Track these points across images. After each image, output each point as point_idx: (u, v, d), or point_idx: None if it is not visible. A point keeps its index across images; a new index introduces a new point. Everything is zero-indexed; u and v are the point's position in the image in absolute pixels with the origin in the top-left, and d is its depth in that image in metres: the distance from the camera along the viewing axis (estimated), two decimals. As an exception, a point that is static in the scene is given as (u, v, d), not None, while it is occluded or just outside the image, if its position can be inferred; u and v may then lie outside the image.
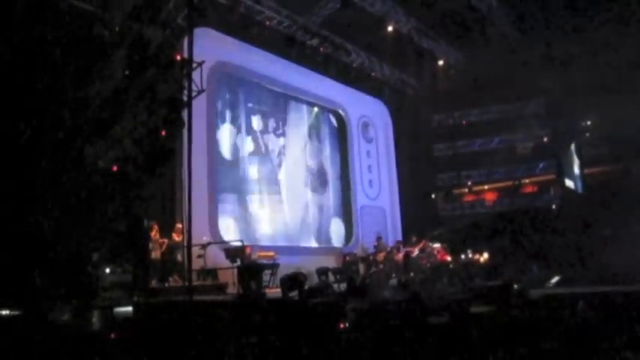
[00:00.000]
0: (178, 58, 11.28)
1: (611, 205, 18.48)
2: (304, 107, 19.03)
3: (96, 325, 7.61)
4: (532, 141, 23.25)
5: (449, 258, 17.59)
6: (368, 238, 18.64)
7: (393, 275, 15.50)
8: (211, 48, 14.14)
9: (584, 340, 5.74)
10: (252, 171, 16.46)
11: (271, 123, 17.49)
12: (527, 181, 23.56)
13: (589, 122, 24.25)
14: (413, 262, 16.70)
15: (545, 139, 22.96)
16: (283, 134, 17.88)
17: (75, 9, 10.47)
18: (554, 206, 22.01)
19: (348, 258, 16.99)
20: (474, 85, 20.84)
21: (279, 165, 17.50)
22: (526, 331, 5.99)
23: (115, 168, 11.13)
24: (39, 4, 9.95)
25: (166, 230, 12.27)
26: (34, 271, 8.97)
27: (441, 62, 21.11)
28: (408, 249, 17.31)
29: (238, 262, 11.97)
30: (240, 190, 15.90)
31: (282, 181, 17.44)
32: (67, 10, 10.27)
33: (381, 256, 16.95)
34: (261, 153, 16.86)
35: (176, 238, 12.27)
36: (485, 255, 17.85)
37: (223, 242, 13.43)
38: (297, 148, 18.28)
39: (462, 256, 17.87)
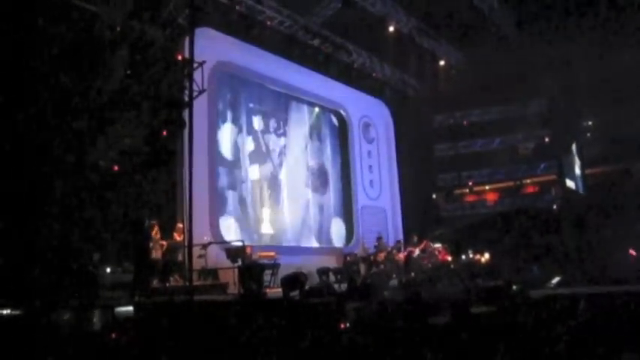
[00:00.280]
0: (179, 58, 11.30)
1: (612, 205, 18.47)
2: (305, 107, 19.03)
3: (96, 325, 7.60)
4: (533, 141, 23.27)
5: (450, 258, 17.58)
6: (369, 239, 18.63)
7: (394, 275, 15.50)
8: (212, 48, 14.14)
9: (585, 341, 5.73)
10: (253, 171, 16.46)
11: (272, 123, 17.49)
12: (528, 181, 23.58)
13: (590, 123, 24.27)
14: (414, 263, 16.70)
15: (547, 140, 22.97)
16: (284, 134, 17.88)
17: (76, 9, 10.48)
18: (555, 206, 21.99)
19: (348, 258, 16.98)
20: (475, 86, 20.83)
21: (280, 165, 17.50)
22: (526, 332, 5.99)
23: (115, 167, 11.15)
24: (40, 3, 9.96)
25: (167, 230, 12.25)
26: (34, 271, 8.97)
27: (442, 62, 21.10)
28: (410, 249, 17.32)
29: (239, 262, 11.97)
30: (241, 190, 15.90)
31: (282, 181, 17.43)
32: (68, 10, 10.27)
33: (381, 256, 16.95)
34: (262, 153, 16.86)
35: (177, 237, 12.26)
36: (487, 255, 17.84)
37: (224, 242, 13.43)
38: (298, 148, 18.28)
39: (463, 257, 17.87)
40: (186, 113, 10.26)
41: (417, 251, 17.19)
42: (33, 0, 9.88)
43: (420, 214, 21.71)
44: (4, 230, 8.96)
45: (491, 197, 24.29)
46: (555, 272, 13.46)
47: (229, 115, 15.95)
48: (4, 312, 7.64)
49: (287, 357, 5.77)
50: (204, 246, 12.27)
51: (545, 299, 8.63)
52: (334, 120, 20.24)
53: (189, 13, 12.12)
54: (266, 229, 16.45)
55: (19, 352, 5.88)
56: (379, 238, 17.90)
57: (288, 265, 13.06)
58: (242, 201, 15.86)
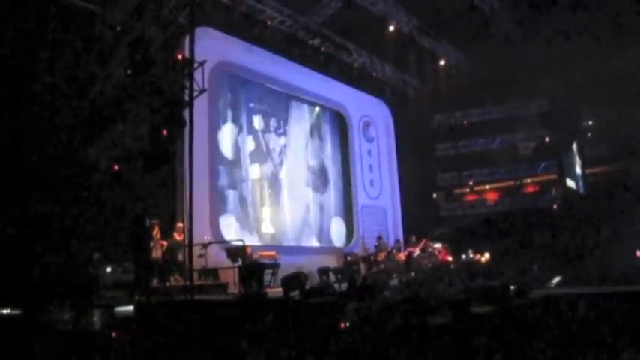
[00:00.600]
0: (180, 57, 11.28)
1: (612, 205, 18.47)
2: (305, 107, 19.03)
3: (97, 325, 7.60)
4: (534, 141, 23.28)
5: (450, 258, 17.58)
6: (369, 238, 18.63)
7: (394, 275, 15.49)
8: (213, 47, 14.14)
9: (585, 340, 5.73)
10: (254, 170, 16.45)
11: (272, 122, 17.49)
12: (528, 181, 23.59)
13: (591, 122, 24.25)
14: (414, 262, 16.69)
15: (547, 140, 22.97)
16: (284, 134, 17.88)
17: (77, 8, 10.48)
18: (555, 206, 21.99)
19: (349, 257, 16.97)
20: (476, 85, 20.84)
21: (281, 164, 17.50)
22: (527, 331, 5.99)
23: (116, 167, 11.15)
24: (41, 3, 9.96)
25: (167, 229, 12.26)
26: (34, 271, 8.98)
27: (442, 62, 21.10)
28: (410, 249, 17.32)
29: (239, 262, 11.97)
30: (241, 189, 15.90)
31: (283, 181, 17.43)
32: (68, 10, 10.28)
33: (382, 255, 16.94)
34: (262, 152, 16.86)
35: (177, 237, 12.26)
36: (487, 255, 17.85)
37: (224, 242, 13.44)
38: (298, 148, 18.28)
39: (463, 256, 17.87)
40: (186, 113, 10.27)
41: (417, 251, 17.18)
42: (33, 0, 9.89)
43: (420, 213, 21.71)
44: (4, 230, 8.97)
45: (491, 197, 24.29)
46: (555, 272, 13.48)
47: (230, 114, 15.95)
48: (4, 311, 7.64)
49: (287, 356, 5.77)
50: (205, 245, 12.27)
51: (546, 299, 8.64)
52: (335, 119, 20.24)
53: (189, 12, 12.12)
54: (266, 228, 16.45)
55: (19, 351, 5.89)
56: (379, 238, 17.90)
57: (289, 265, 13.06)
58: (242, 200, 15.86)
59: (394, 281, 14.66)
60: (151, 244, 11.20)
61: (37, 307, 7.80)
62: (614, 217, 17.70)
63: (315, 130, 19.33)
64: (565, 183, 21.97)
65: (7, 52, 9.46)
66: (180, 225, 12.44)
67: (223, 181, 15.23)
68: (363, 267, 16.99)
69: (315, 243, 18.09)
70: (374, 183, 20.87)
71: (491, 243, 18.49)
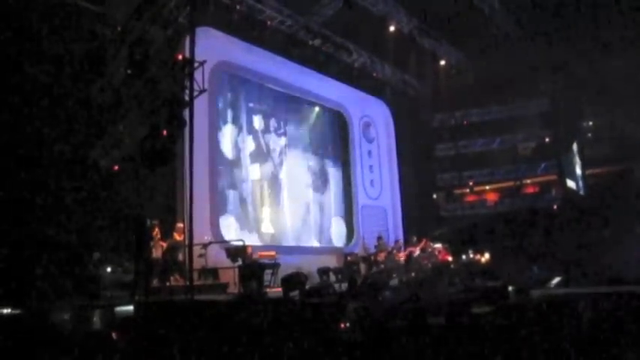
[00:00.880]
0: (180, 57, 11.27)
1: (612, 206, 18.47)
2: (306, 107, 19.03)
3: (97, 325, 7.61)
4: (534, 141, 23.28)
5: (450, 258, 17.60)
6: (369, 238, 18.63)
7: (394, 275, 15.49)
8: (213, 47, 14.13)
9: (585, 341, 5.73)
10: (254, 170, 16.45)
11: (272, 122, 17.48)
12: (528, 181, 23.59)
13: (591, 123, 24.26)
14: (414, 262, 16.71)
15: (547, 140, 22.97)
16: (284, 134, 17.87)
17: (77, 8, 10.48)
18: (555, 207, 21.99)
19: (349, 258, 16.98)
20: (476, 86, 20.86)
21: (281, 164, 17.49)
22: (526, 332, 5.99)
23: (116, 167, 11.15)
24: (41, 3, 9.96)
25: (167, 229, 12.26)
26: (34, 271, 8.97)
27: (442, 62, 21.12)
28: (410, 249, 17.33)
29: (239, 262, 11.97)
30: (241, 189, 15.90)
31: (283, 181, 17.43)
32: (69, 10, 10.28)
33: (382, 255, 16.95)
34: (262, 152, 16.86)
35: (177, 237, 12.24)
36: (487, 255, 17.86)
37: (224, 242, 13.43)
38: (298, 148, 18.28)
39: (463, 257, 17.88)
40: (186, 113, 10.26)
41: (417, 251, 17.20)
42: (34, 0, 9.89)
43: (420, 213, 21.73)
44: (4, 230, 8.96)
45: (491, 197, 24.29)
46: (555, 272, 13.48)
47: (230, 114, 15.94)
48: (4, 312, 7.64)
49: (287, 357, 5.77)
50: (205, 245, 12.26)
51: (546, 299, 8.63)
52: (335, 120, 20.24)
53: (189, 12, 12.11)
54: (266, 228, 16.44)
55: (19, 352, 5.88)
56: (379, 238, 17.91)
57: (289, 265, 13.06)
58: (242, 200, 15.86)
59: (394, 281, 14.66)
60: (151, 244, 11.19)
61: (37, 307, 7.80)
62: (614, 218, 17.70)
63: (315, 131, 19.33)
64: (565, 183, 21.98)
65: (6, 51, 9.46)
66: (180, 225, 12.43)
67: (223, 181, 15.22)
68: (363, 267, 17.00)
69: (315, 243, 18.09)
70: (374, 183, 20.87)
71: (491, 243, 18.50)
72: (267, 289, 11.67)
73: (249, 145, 16.45)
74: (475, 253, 18.03)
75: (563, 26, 18.02)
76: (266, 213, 16.56)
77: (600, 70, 18.15)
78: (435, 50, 20.59)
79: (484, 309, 7.56)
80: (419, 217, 21.48)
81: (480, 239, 19.00)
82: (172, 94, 10.66)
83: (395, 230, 20.85)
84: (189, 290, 9.39)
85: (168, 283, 11.54)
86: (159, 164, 10.72)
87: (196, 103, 10.54)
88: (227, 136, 15.71)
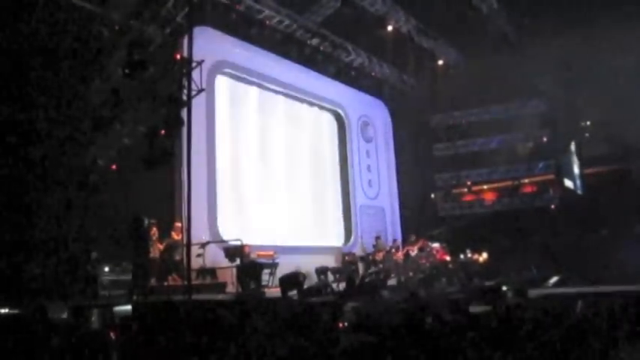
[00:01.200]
0: (178, 57, 11.28)
1: (610, 205, 18.50)
2: (304, 106, 19.02)
3: (95, 324, 7.60)
4: (531, 141, 23.27)
5: (448, 258, 17.63)
6: (367, 238, 18.63)
7: (392, 275, 15.51)
8: (211, 47, 14.13)
9: (583, 341, 5.74)
10: (252, 170, 16.44)
11: (271, 122, 17.48)
12: (526, 181, 23.55)
13: (589, 122, 24.28)
14: (412, 262, 16.72)
15: (545, 139, 22.97)
16: (283, 134, 17.85)
17: (75, 7, 10.47)
18: (553, 206, 22.02)
19: (347, 257, 16.98)
20: (474, 85, 20.84)
21: (279, 164, 17.48)
22: (524, 332, 5.99)
23: (114, 167, 11.15)
24: (39, 3, 9.95)
25: (165, 229, 12.25)
26: (32, 271, 8.97)
27: (440, 62, 21.13)
28: (408, 248, 17.34)
29: (237, 262, 11.97)
30: (239, 189, 15.88)
31: (281, 181, 17.42)
32: (67, 9, 10.27)
33: (380, 255, 16.96)
34: (260, 152, 16.84)
35: (175, 237, 12.24)
36: (485, 255, 17.89)
37: (222, 241, 13.41)
38: (296, 148, 18.27)
39: (461, 256, 17.90)
40: (184, 112, 10.27)
41: (415, 250, 17.21)
42: (31, -1, 9.88)
43: (418, 213, 21.74)
44: (3, 230, 8.96)
45: (489, 197, 24.28)
46: (553, 272, 13.52)
47: (228, 114, 15.92)
48: (3, 311, 7.64)
49: (285, 357, 5.77)
50: (203, 245, 12.26)
51: (543, 298, 8.65)
52: (333, 119, 20.24)
53: (187, 12, 12.12)
54: (264, 228, 16.42)
55: (18, 351, 5.88)
56: (378, 238, 17.92)
57: (287, 265, 13.05)
58: (240, 200, 15.84)
59: (392, 281, 14.69)
60: (149, 243, 11.19)
61: (34, 307, 7.79)
62: (611, 218, 17.74)
63: (314, 130, 19.33)
64: (563, 183, 22.01)
65: (4, 50, 9.45)
66: (178, 225, 12.43)
67: (221, 180, 15.20)
68: (361, 267, 17.01)
69: (313, 243, 18.07)
70: (372, 183, 20.87)
71: (489, 243, 18.53)
72: (266, 289, 11.68)
73: (247, 144, 16.43)
74: (473, 252, 18.06)
75: (561, 26, 18.01)
76: (264, 212, 16.54)
77: (598, 70, 18.15)
78: (433, 50, 20.60)
79: (482, 309, 7.57)
80: (417, 216, 21.50)
81: (478, 239, 19.02)
82: (170, 93, 10.67)
83: (393, 230, 20.86)
84: (188, 290, 9.39)
85: (166, 283, 11.54)
86: (157, 164, 10.73)
87: (194, 102, 10.54)
88: (225, 135, 15.69)
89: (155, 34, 11.24)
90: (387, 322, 6.81)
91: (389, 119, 22.22)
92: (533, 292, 9.71)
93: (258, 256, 13.46)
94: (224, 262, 12.35)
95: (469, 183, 24.11)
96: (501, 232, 19.56)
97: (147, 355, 5.98)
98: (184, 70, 10.62)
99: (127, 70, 10.23)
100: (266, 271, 12.50)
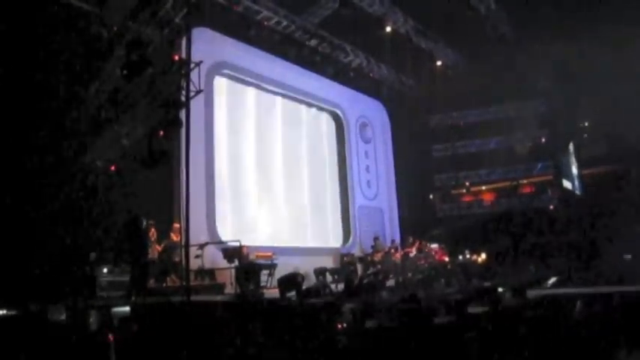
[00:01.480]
0: (176, 58, 11.26)
1: (608, 206, 18.52)
2: (302, 107, 19.03)
3: (93, 325, 7.59)
4: (530, 142, 23.30)
5: (447, 258, 17.64)
6: (366, 239, 18.64)
7: (391, 275, 15.51)
8: (209, 48, 14.12)
9: (582, 341, 5.75)
10: (250, 171, 16.44)
11: (269, 123, 17.48)
12: (524, 181, 23.60)
13: (587, 123, 24.31)
14: (411, 263, 16.73)
15: (543, 140, 23.01)
16: (281, 134, 17.86)
17: (73, 8, 10.45)
18: (551, 207, 22.05)
19: (345, 258, 16.98)
20: (472, 86, 20.87)
21: (278, 165, 17.48)
22: (522, 332, 6.00)
23: (112, 168, 11.14)
24: (37, 3, 9.94)
25: (164, 230, 12.24)
26: (31, 271, 8.96)
27: (439, 63, 21.16)
28: (406, 249, 17.35)
29: (236, 263, 11.96)
30: (237, 190, 15.88)
31: (279, 182, 17.42)
32: (65, 10, 10.25)
33: (378, 256, 16.97)
34: (259, 153, 16.84)
35: (174, 238, 12.23)
36: (483, 255, 17.90)
37: (221, 242, 13.41)
38: (295, 149, 18.27)
39: (460, 257, 17.91)
40: (183, 113, 10.26)
41: (413, 251, 17.22)
42: (30, 0, 9.86)
43: (416, 214, 21.75)
44: (1, 230, 8.95)
45: (487, 197, 24.31)
46: (552, 272, 13.52)
47: (226, 115, 15.93)
48: (1, 312, 7.62)
49: (284, 357, 5.78)
50: (201, 246, 12.25)
51: (542, 299, 8.65)
52: (331, 120, 20.25)
53: (186, 13, 12.10)
54: (263, 229, 16.42)
55: (17, 352, 5.88)
56: (376, 238, 17.92)
57: (285, 266, 13.03)
58: (239, 201, 15.84)
59: (391, 282, 14.68)
60: (148, 244, 11.17)
61: (33, 308, 7.78)
62: (611, 218, 17.74)
63: (312, 131, 19.33)
64: (561, 183, 22.04)
65: (3, 52, 9.44)
66: (176, 225, 12.41)
67: (220, 181, 15.20)
68: (359, 267, 17.00)
69: (311, 244, 18.07)
70: (371, 184, 20.88)
71: (487, 243, 18.54)
72: (264, 290, 11.67)
73: (245, 145, 16.43)
74: (472, 253, 18.07)
75: (559, 26, 18.03)
76: (262, 213, 16.55)
77: (597, 70, 18.16)
78: (431, 50, 20.62)
79: (480, 309, 7.58)
80: (415, 217, 21.51)
81: (477, 239, 19.04)
82: (169, 94, 10.65)
83: (391, 231, 20.86)
84: (186, 291, 9.37)
85: (164, 284, 11.53)
86: (155, 165, 10.71)
87: (193, 103, 10.52)
88: (223, 136, 15.69)
89: (153, 35, 11.21)
90: (386, 323, 6.81)
91: (387, 120, 22.23)
92: (531, 293, 9.70)
93: (257, 257, 13.44)
94: (223, 263, 12.35)
95: (468, 184, 24.14)
96: (500, 232, 19.57)
97: (145, 356, 5.98)
98: (183, 71, 10.61)
99: (125, 71, 10.21)
100: (264, 272, 12.49)
